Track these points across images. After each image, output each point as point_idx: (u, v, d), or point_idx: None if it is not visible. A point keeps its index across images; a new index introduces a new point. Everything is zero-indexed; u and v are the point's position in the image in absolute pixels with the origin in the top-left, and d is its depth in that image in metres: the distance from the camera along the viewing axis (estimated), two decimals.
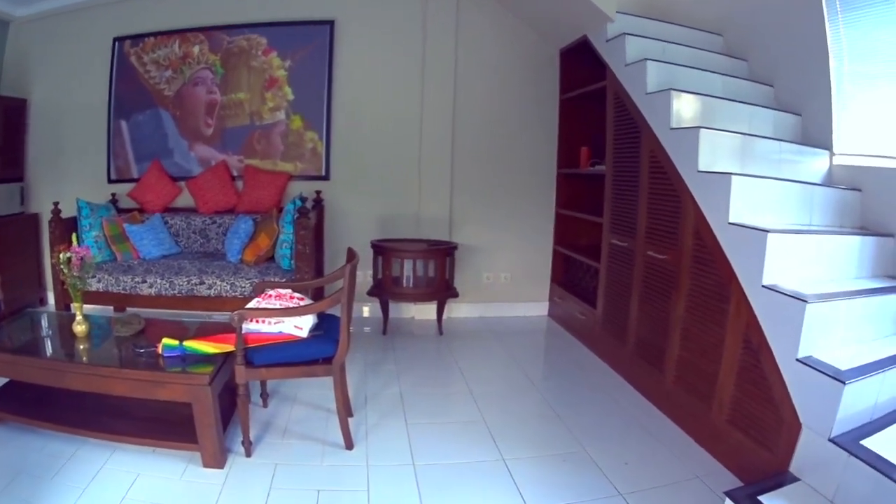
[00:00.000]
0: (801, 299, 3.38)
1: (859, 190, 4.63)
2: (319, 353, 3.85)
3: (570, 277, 7.35)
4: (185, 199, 6.97)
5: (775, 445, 3.52)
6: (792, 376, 3.42)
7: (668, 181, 4.69)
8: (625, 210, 5.47)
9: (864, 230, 4.46)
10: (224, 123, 6.92)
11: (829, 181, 4.80)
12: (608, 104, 5.75)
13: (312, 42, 6.81)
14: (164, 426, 3.87)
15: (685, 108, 4.75)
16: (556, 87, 7.21)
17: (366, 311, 7.10)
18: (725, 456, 3.94)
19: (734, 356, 3.91)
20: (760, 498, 3.09)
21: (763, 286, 3.67)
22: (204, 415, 3.57)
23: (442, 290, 6.39)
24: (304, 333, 3.82)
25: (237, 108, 6.91)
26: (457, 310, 7.17)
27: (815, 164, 4.85)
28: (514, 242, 7.41)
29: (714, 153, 4.39)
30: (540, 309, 7.57)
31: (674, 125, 4.68)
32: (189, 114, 6.94)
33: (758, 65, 5.71)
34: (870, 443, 3.09)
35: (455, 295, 6.57)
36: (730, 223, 3.98)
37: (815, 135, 5.02)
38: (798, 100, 5.24)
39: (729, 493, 3.18)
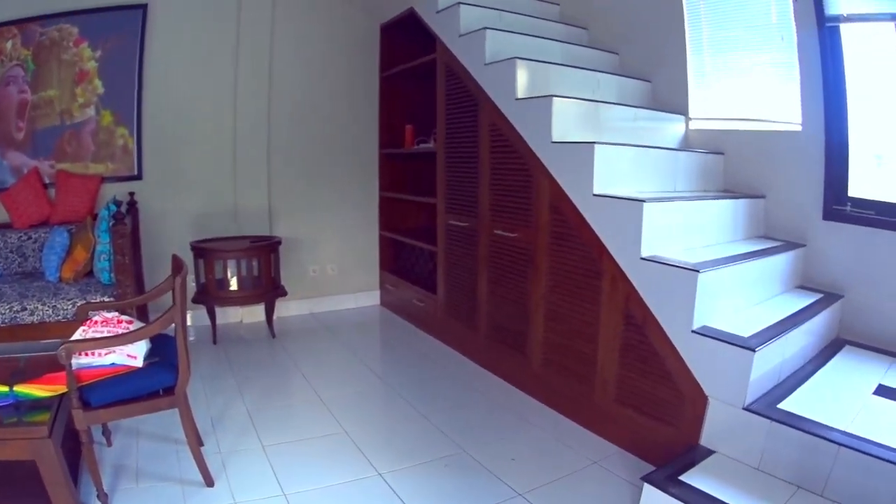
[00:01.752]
0: (693, 269, 3.36)
1: (722, 153, 4.79)
2: (159, 383, 3.39)
3: (402, 263, 7.20)
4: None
5: (677, 420, 3.51)
6: (689, 349, 3.39)
7: (516, 155, 4.58)
8: (463, 188, 5.33)
9: (727, 192, 4.64)
10: (34, 125, 6.11)
11: (686, 146, 4.93)
12: (438, 78, 5.59)
13: (124, 29, 6.16)
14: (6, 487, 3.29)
15: (531, 77, 4.64)
16: (377, 64, 7.04)
17: (189, 319, 6.49)
18: (619, 437, 3.89)
19: (614, 334, 3.86)
20: (682, 478, 3.05)
21: (642, 258, 3.62)
22: (51, 473, 2.97)
23: (269, 289, 6.00)
24: (138, 363, 3.36)
25: (47, 107, 6.13)
26: (286, 308, 6.78)
27: (672, 129, 4.96)
28: (339, 231, 7.16)
29: (567, 123, 4.31)
30: (371, 299, 7.40)
31: (520, 95, 4.56)
32: (0, 118, 6.09)
33: (600, 33, 5.79)
34: (787, 405, 3.19)
35: (283, 293, 6.20)
36: (595, 195, 3.90)
37: (668, 100, 5.15)
38: (647, 66, 5.35)
39: (647, 478, 3.06)
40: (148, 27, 6.13)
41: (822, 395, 3.34)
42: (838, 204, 4.31)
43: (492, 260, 4.97)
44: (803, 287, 4.38)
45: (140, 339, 3.38)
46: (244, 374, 5.08)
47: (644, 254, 3.60)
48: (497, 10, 5.39)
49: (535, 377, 4.57)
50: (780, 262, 4.12)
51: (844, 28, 4.16)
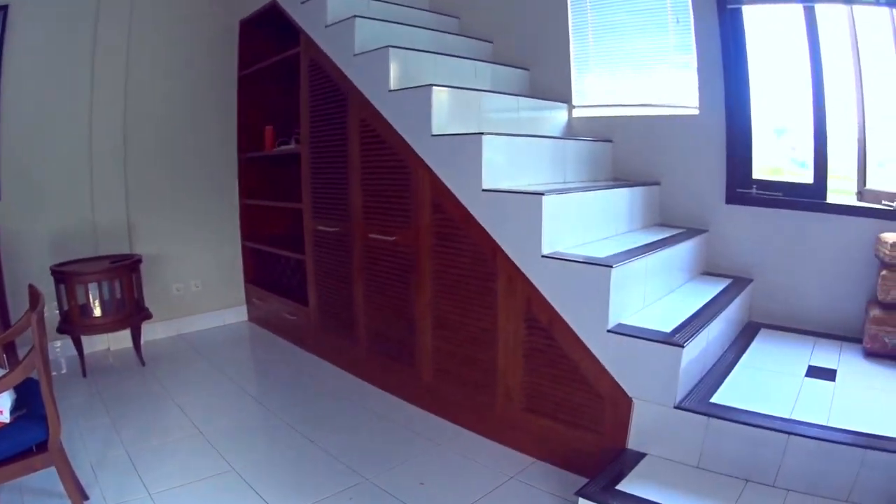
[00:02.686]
0: (604, 264, 3.09)
1: (610, 141, 4.61)
2: (30, 439, 2.79)
3: (268, 275, 6.66)
4: None
5: (599, 425, 3.25)
6: (605, 350, 3.14)
7: (390, 151, 4.18)
8: (331, 191, 4.88)
9: (618, 181, 4.45)
10: None
11: (571, 135, 4.71)
12: (302, 74, 5.12)
13: None
14: None
15: (404, 67, 4.25)
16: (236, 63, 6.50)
17: (55, 349, 5.82)
18: (533, 447, 3.55)
19: (516, 339, 3.52)
20: (620, 487, 2.80)
21: (544, 256, 3.30)
22: None
23: (134, 312, 5.36)
24: (5, 418, 2.75)
25: None
26: (153, 331, 6.11)
27: (556, 118, 4.73)
28: (201, 244, 6.50)
29: (447, 114, 3.95)
30: (238, 315, 6.80)
31: (394, 87, 4.16)
32: None
33: (472, 21, 5.50)
34: (720, 398, 3.06)
35: (148, 316, 5.56)
36: (484, 190, 3.55)
37: (548, 88, 4.92)
38: (525, 54, 5.10)
39: (582, 493, 2.76)
40: (8, 30, 5.44)
41: (754, 384, 3.25)
42: (742, 187, 4.23)
43: (368, 266, 4.54)
44: (709, 273, 4.28)
45: (2, 391, 2.81)
46: (118, 411, 4.47)
47: (545, 251, 3.28)
48: None
49: (426, 389, 4.17)
50: (684, 250, 3.97)
51: (746, 10, 4.12)
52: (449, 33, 5.15)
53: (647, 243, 3.68)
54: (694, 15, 4.21)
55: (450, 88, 3.96)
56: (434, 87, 3.81)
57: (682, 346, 2.90)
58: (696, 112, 4.28)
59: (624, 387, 3.07)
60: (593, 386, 3.19)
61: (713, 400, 3.03)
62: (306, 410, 4.31)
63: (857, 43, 4.19)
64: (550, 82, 4.93)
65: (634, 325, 3.16)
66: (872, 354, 3.59)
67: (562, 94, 4.82)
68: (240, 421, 4.23)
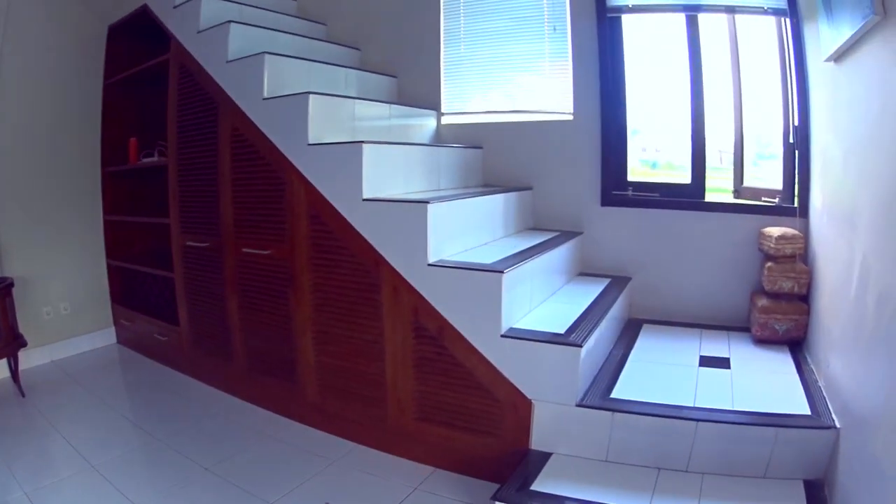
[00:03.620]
0: (495, 270, 3.05)
1: (480, 147, 4.59)
2: None
3: (135, 294, 6.22)
4: None
5: (499, 429, 3.20)
6: (501, 355, 3.09)
7: (263, 162, 3.97)
8: (200, 205, 4.60)
9: (492, 187, 4.44)
10: None
11: (440, 142, 4.69)
12: (171, 82, 4.78)
13: None
14: None
15: (278, 74, 4.06)
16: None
17: None
18: (431, 456, 3.44)
19: (405, 349, 3.42)
20: (534, 488, 2.78)
21: (430, 265, 3.21)
22: None
23: (10, 340, 4.94)
24: None
25: None
26: (28, 359, 5.62)
27: (425, 126, 4.69)
28: (68, 264, 5.97)
29: (322, 123, 3.79)
30: (107, 337, 6.28)
31: (268, 94, 3.96)
32: None
33: (339, 28, 5.34)
34: (620, 393, 3.12)
35: (24, 343, 5.13)
36: (365, 200, 3.43)
37: (417, 96, 4.86)
38: (393, 61, 5.02)
39: (498, 497, 2.73)
40: None
41: (650, 377, 3.32)
42: (618, 189, 4.30)
43: (243, 281, 4.30)
44: (586, 274, 4.31)
45: None
46: (5, 448, 4.13)
47: (432, 259, 3.20)
48: (237, 2, 4.73)
49: (313, 406, 3.99)
50: (562, 253, 3.99)
51: (626, 18, 4.25)
52: (317, 40, 4.98)
53: (527, 248, 3.68)
54: (571, 23, 4.25)
55: (326, 96, 3.82)
56: (311, 95, 3.65)
57: (580, 346, 2.92)
58: (571, 117, 4.31)
59: (522, 390, 3.04)
60: (490, 391, 3.13)
61: (614, 395, 3.07)
62: (195, 437, 4.02)
63: (736, 48, 4.33)
64: (419, 90, 4.87)
65: (527, 328, 3.14)
66: (762, 341, 3.80)
67: (430, 102, 4.78)
68: (128, 452, 3.90)
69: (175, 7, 4.65)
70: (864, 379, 2.51)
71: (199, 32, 4.41)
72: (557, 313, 3.42)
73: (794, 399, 3.01)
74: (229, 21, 4.20)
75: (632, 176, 4.46)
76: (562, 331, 3.11)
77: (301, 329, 3.89)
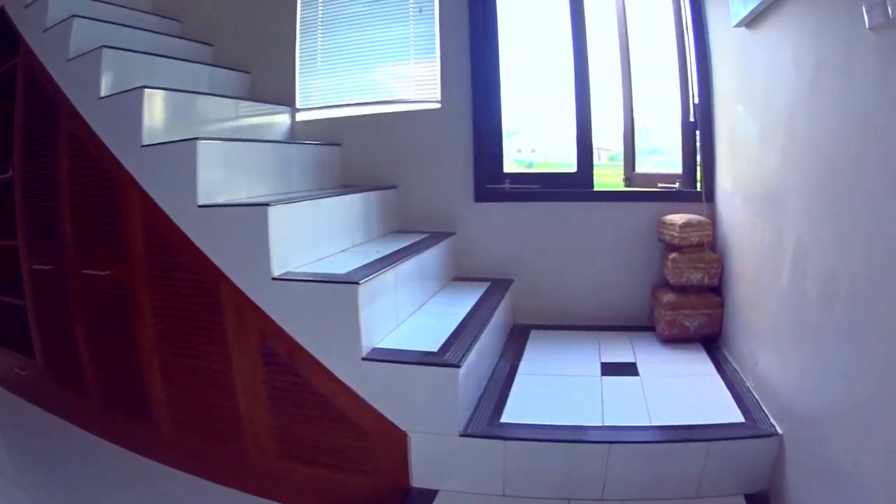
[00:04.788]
0: (349, 281, 2.57)
1: (339, 144, 4.18)
2: None
3: None
4: None
5: (371, 466, 2.74)
6: (364, 382, 2.61)
7: (98, 170, 3.42)
8: (44, 223, 4.04)
9: (350, 187, 3.98)
10: None
11: (295, 139, 4.26)
12: (18, 88, 4.18)
13: None
14: None
15: (120, 71, 3.51)
16: None
17: None
18: (304, 498, 2.96)
19: (255, 379, 2.89)
20: None
21: (275, 279, 2.70)
22: None
23: None
24: None
25: None
26: None
27: (278, 122, 4.26)
28: None
29: (163, 121, 3.28)
30: None
31: (105, 93, 3.40)
32: None
33: (193, 23, 4.83)
34: (512, 416, 2.69)
35: None
36: (201, 206, 2.90)
37: (272, 91, 4.40)
38: (247, 56, 4.55)
39: None
40: None
41: (545, 393, 2.93)
42: (493, 182, 3.91)
43: (88, 307, 3.72)
44: (462, 278, 3.90)
45: None
46: None
47: (276, 272, 2.69)
48: None
49: (168, 444, 3.43)
50: (432, 256, 3.56)
51: None
52: (170, 36, 4.47)
53: (391, 253, 3.22)
54: (439, 1, 3.85)
55: (164, 91, 3.30)
56: (146, 90, 3.12)
57: (458, 366, 2.48)
58: (438, 106, 3.92)
59: (394, 420, 2.57)
60: (356, 423, 2.65)
61: (504, 419, 2.65)
62: (58, 484, 3.48)
63: (625, 20, 4.01)
64: (273, 85, 4.42)
65: (394, 347, 2.68)
66: (671, 340, 3.46)
67: (285, 97, 4.34)
68: None
69: (26, 7, 4.08)
70: (811, 374, 2.20)
71: (44, 31, 3.85)
72: (430, 327, 2.99)
73: (722, 405, 2.69)
74: (73, 16, 3.65)
75: (509, 167, 4.10)
76: (435, 348, 2.66)
77: (147, 359, 3.33)
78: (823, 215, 2.12)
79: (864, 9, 1.65)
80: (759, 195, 2.88)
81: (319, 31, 4.27)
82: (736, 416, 2.56)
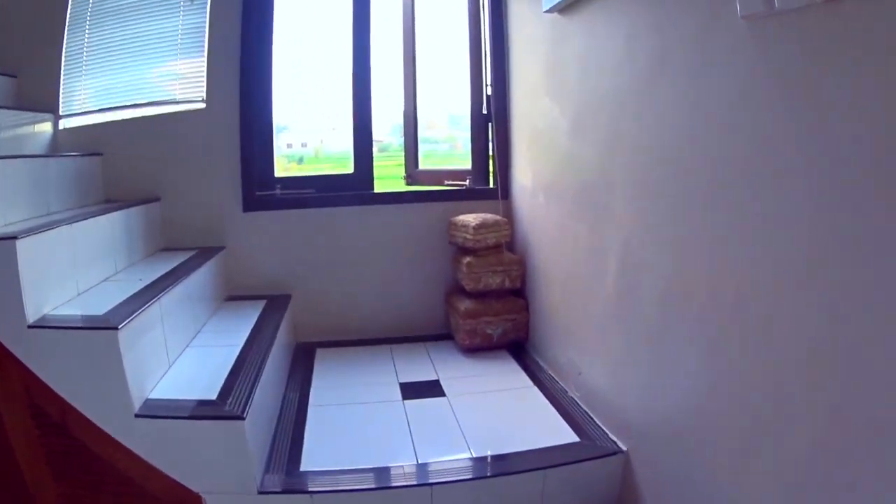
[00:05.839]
0: (107, 327, 2.12)
1: (100, 154, 3.58)
2: None
3: None
4: None
5: None
6: (141, 439, 2.19)
7: None
8: None
9: (111, 203, 3.43)
10: None
11: (57, 151, 3.62)
12: None
13: None
14: None
15: None
16: None
17: None
18: None
19: (29, 442, 2.37)
20: None
21: (31, 326, 2.19)
22: None
23: None
24: None
25: None
26: None
27: (41, 132, 3.59)
28: None
29: None
30: None
31: None
32: None
33: None
34: (311, 462, 2.37)
35: None
36: None
37: (36, 97, 3.71)
38: (13, 57, 3.79)
39: None
40: None
41: (344, 429, 2.59)
42: (264, 189, 3.57)
43: None
44: (237, 297, 3.51)
45: None
46: None
47: (31, 319, 2.20)
48: None
49: None
50: (203, 277, 3.14)
51: None
52: None
53: (156, 280, 2.76)
54: None
55: None
56: None
57: (243, 418, 2.13)
58: (203, 105, 3.52)
59: (184, 482, 2.21)
60: (143, 487, 2.25)
61: (304, 467, 2.33)
62: None
63: (412, 20, 3.82)
64: (38, 89, 3.70)
65: (169, 398, 2.27)
66: (473, 350, 3.27)
67: (48, 103, 3.67)
68: None
69: None
70: (652, 386, 2.10)
71: None
72: (206, 364, 2.59)
73: (550, 424, 2.50)
74: None
75: (280, 165, 3.79)
76: (214, 394, 2.29)
77: None
78: (662, 217, 2.02)
79: None
80: (572, 193, 2.76)
81: (87, 26, 3.66)
82: (569, 436, 2.40)
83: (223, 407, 2.19)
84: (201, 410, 2.19)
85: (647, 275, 2.13)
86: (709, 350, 1.80)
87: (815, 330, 1.41)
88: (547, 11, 2.78)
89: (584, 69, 2.63)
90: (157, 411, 2.18)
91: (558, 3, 2.63)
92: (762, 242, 1.58)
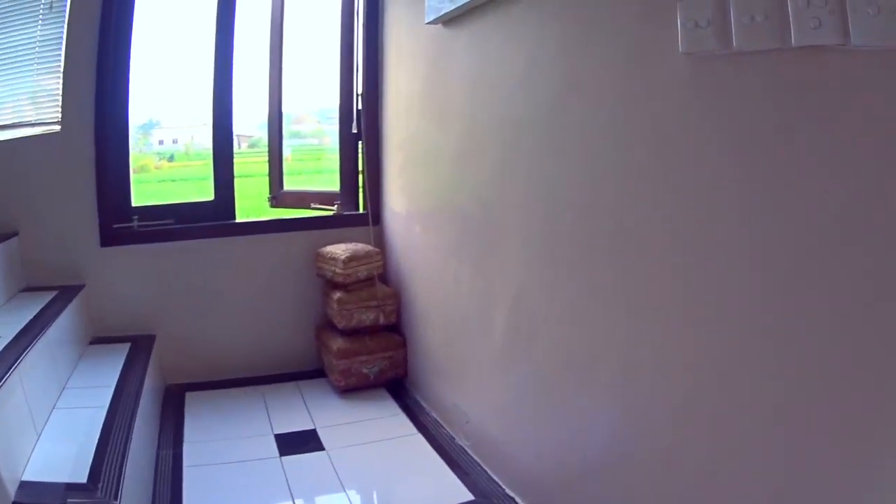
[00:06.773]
0: None
1: None
2: None
3: None
4: None
5: None
6: None
7: None
8: None
9: None
10: None
11: None
12: None
13: None
14: None
15: None
16: None
17: None
18: None
19: None
20: None
21: None
22: None
23: None
24: None
25: None
26: None
27: None
28: None
29: None
30: None
31: None
32: None
33: None
34: None
35: None
36: None
37: None
38: None
39: None
40: None
41: (225, 494, 2.37)
42: (121, 221, 3.30)
43: None
44: (101, 340, 3.17)
45: None
46: None
47: None
48: None
49: None
50: (65, 322, 2.79)
51: None
52: None
53: (15, 336, 2.34)
54: None
55: None
56: None
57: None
58: (58, 128, 3.18)
59: None
60: None
61: None
62: None
63: (280, 28, 3.63)
64: None
65: (41, 480, 1.91)
66: (349, 390, 3.10)
67: None
68: None
69: None
70: (553, 433, 1.99)
71: None
72: (73, 433, 2.24)
73: (440, 479, 2.38)
74: None
75: (139, 199, 3.50)
76: (84, 475, 1.95)
77: None
78: (558, 271, 1.93)
79: (679, 30, 1.39)
80: (454, 229, 2.64)
81: None
82: (461, 493, 2.28)
83: (94, 492, 1.90)
84: (74, 496, 1.88)
85: (542, 313, 2.04)
86: (608, 399, 1.76)
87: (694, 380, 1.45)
88: (430, 23, 2.59)
89: (472, 91, 2.48)
90: (32, 497, 1.85)
91: (444, 14, 2.45)
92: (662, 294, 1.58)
